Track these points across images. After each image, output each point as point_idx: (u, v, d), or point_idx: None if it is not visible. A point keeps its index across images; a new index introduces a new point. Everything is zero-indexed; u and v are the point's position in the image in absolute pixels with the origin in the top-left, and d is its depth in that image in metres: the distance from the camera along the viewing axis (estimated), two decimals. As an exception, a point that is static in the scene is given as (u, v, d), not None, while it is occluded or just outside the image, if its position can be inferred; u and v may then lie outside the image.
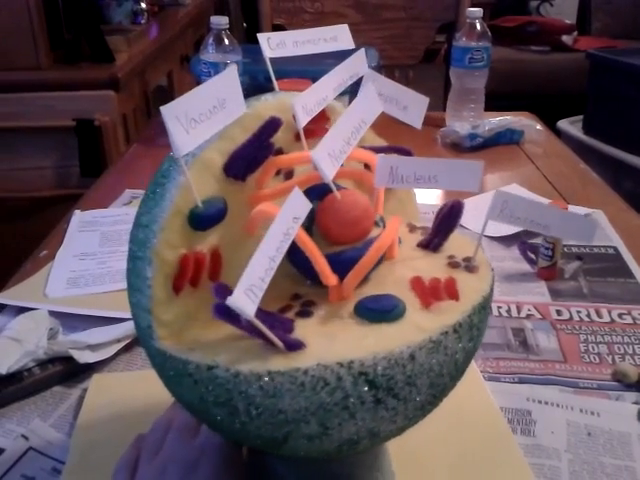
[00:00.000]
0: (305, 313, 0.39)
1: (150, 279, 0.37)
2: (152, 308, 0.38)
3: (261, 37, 0.47)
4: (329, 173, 0.39)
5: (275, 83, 0.47)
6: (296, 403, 0.34)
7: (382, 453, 0.48)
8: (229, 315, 0.33)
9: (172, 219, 0.38)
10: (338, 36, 0.50)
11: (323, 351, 0.35)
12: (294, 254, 0.38)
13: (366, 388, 0.35)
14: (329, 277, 0.38)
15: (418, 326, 0.37)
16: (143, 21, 2.04)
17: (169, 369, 0.38)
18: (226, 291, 0.33)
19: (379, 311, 0.38)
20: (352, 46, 0.51)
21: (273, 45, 0.48)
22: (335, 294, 0.39)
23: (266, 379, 0.34)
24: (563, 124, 2.34)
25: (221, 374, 0.35)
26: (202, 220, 0.39)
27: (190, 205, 0.39)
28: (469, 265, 0.43)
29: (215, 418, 0.37)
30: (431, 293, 0.40)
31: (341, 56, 1.43)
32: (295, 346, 0.35)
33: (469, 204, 1.03)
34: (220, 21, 1.10)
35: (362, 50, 0.50)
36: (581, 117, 2.31)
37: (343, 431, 0.36)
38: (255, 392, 0.35)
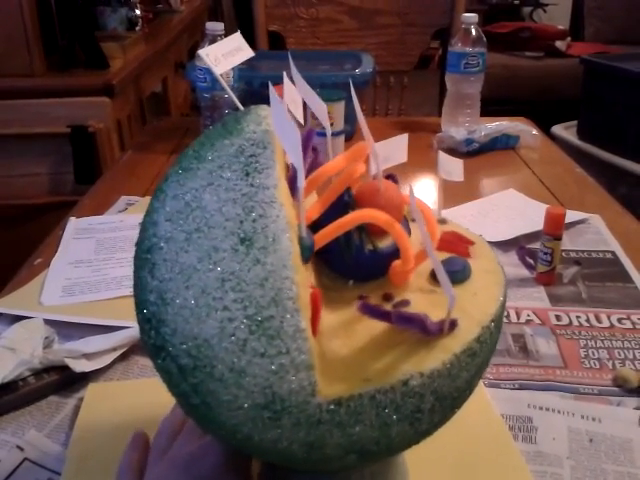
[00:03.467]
0: (404, 303, 0.40)
1: (305, 331, 0.33)
2: (313, 362, 0.33)
3: (202, 53, 0.48)
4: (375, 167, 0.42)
5: (233, 96, 0.48)
6: (469, 375, 0.37)
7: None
8: (411, 321, 0.36)
9: (296, 258, 0.34)
10: (240, 46, 0.51)
11: (468, 319, 0.37)
12: (341, 258, 0.39)
13: (492, 333, 0.39)
14: (411, 261, 0.40)
15: (487, 270, 0.43)
16: (138, 28, 2.04)
17: (347, 415, 0.34)
18: (371, 304, 0.37)
19: (462, 271, 0.42)
20: (251, 53, 0.51)
21: (214, 61, 0.48)
22: (402, 277, 0.41)
23: (455, 363, 0.35)
24: (557, 129, 2.35)
25: (417, 382, 0.34)
26: (309, 250, 0.36)
27: (295, 238, 0.35)
28: (440, 219, 0.48)
29: (388, 440, 0.35)
30: (459, 246, 0.44)
31: (335, 61, 1.44)
32: (455, 324, 0.37)
33: (467, 209, 1.03)
34: (215, 27, 1.10)
35: (289, 54, 0.51)
36: (575, 122, 2.32)
37: (471, 387, 0.38)
38: (444, 382, 0.35)
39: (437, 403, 0.35)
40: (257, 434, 0.34)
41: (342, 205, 0.42)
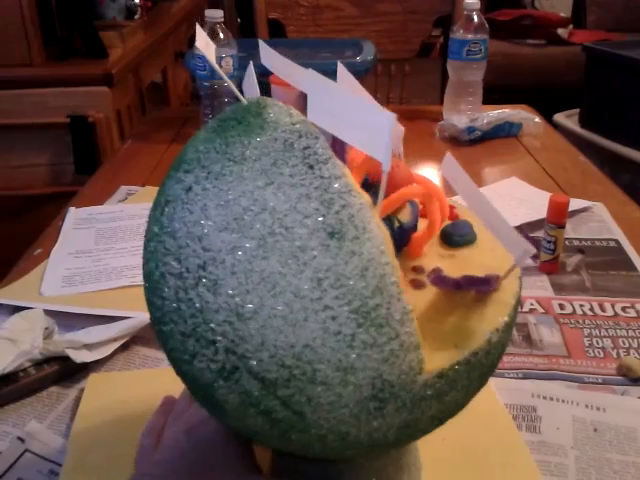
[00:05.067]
0: (438, 270, 0.42)
1: (411, 312, 0.33)
2: (420, 340, 0.33)
3: (198, 45, 0.46)
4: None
5: (232, 86, 0.46)
6: (514, 323, 0.40)
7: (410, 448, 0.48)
8: (482, 282, 0.39)
9: (388, 242, 0.33)
10: (205, 40, 0.48)
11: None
12: None
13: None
14: (436, 232, 0.44)
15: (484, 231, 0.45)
16: (137, 17, 2.02)
17: (447, 385, 0.35)
18: (443, 276, 0.40)
19: (472, 232, 0.45)
20: (213, 45, 0.49)
21: (204, 46, 0.46)
22: (420, 248, 0.44)
23: (512, 314, 0.38)
24: (559, 117, 2.33)
25: (495, 339, 0.37)
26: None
27: (380, 223, 0.36)
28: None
29: (465, 398, 0.38)
30: (452, 212, 0.46)
31: (336, 49, 1.42)
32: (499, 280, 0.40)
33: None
34: (215, 14, 1.08)
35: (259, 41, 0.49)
36: (577, 110, 2.30)
37: None
38: (508, 333, 0.38)
39: (501, 354, 0.39)
40: (356, 429, 0.33)
41: (365, 187, 0.42)
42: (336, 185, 0.33)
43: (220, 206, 0.33)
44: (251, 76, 0.45)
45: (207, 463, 0.43)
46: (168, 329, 0.34)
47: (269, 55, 0.45)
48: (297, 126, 0.35)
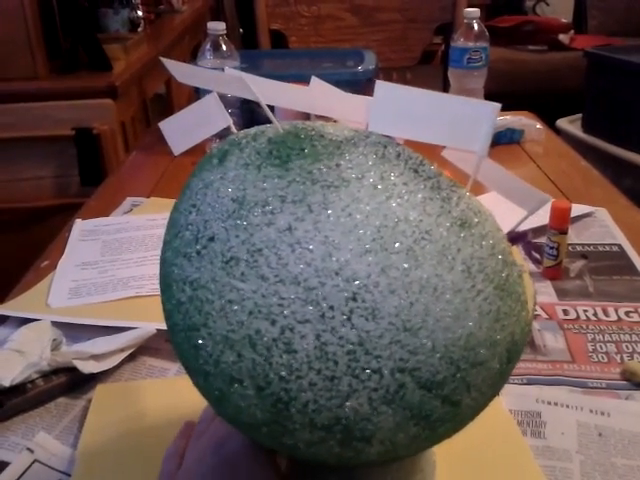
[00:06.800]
0: None
1: (522, 292, 0.36)
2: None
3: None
4: None
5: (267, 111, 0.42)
6: None
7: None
8: (523, 236, 0.41)
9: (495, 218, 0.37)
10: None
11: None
12: None
13: None
14: None
15: None
16: (140, 29, 2.04)
17: (531, 327, 0.39)
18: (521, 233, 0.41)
19: None
20: None
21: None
22: None
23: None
24: (562, 123, 2.33)
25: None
26: None
27: None
28: None
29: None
30: None
31: (337, 58, 1.44)
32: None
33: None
34: (217, 27, 1.10)
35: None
36: (580, 115, 2.30)
37: None
38: None
39: None
40: (489, 398, 0.36)
41: None
42: (444, 182, 0.35)
43: (348, 232, 0.32)
44: (216, 103, 0.43)
45: (236, 476, 0.43)
46: (304, 382, 0.32)
47: (256, 84, 0.40)
48: (372, 137, 0.36)
